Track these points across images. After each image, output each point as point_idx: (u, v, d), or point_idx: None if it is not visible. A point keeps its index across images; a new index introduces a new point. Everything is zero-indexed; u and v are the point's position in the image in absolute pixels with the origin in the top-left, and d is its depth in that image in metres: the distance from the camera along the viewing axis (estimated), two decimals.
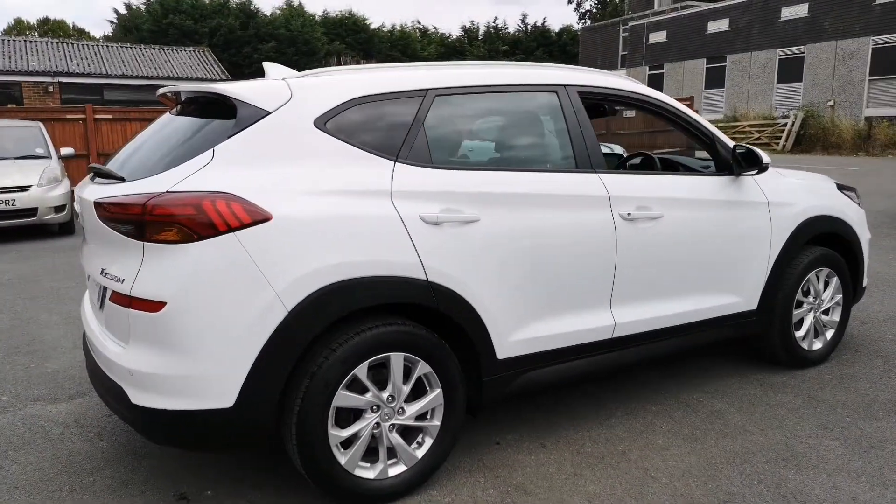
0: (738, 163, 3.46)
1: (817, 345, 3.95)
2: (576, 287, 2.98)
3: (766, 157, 3.43)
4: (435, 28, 68.07)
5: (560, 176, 2.96)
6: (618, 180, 3.09)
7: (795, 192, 3.74)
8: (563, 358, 2.98)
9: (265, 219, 2.29)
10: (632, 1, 40.62)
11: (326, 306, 2.37)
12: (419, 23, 73.06)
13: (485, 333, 2.72)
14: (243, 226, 2.26)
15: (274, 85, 2.55)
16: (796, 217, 3.69)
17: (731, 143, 3.52)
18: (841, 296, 4.02)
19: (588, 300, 3.03)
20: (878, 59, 24.30)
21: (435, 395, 2.65)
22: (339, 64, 51.86)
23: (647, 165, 3.89)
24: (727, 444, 3.04)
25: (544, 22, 56.01)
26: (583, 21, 54.86)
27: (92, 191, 2.61)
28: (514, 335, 2.82)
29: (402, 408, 2.61)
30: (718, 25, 30.05)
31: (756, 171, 3.44)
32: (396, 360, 2.55)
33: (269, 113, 2.46)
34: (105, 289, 2.58)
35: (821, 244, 3.88)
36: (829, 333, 4.00)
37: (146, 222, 2.25)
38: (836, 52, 25.53)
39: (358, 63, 53.55)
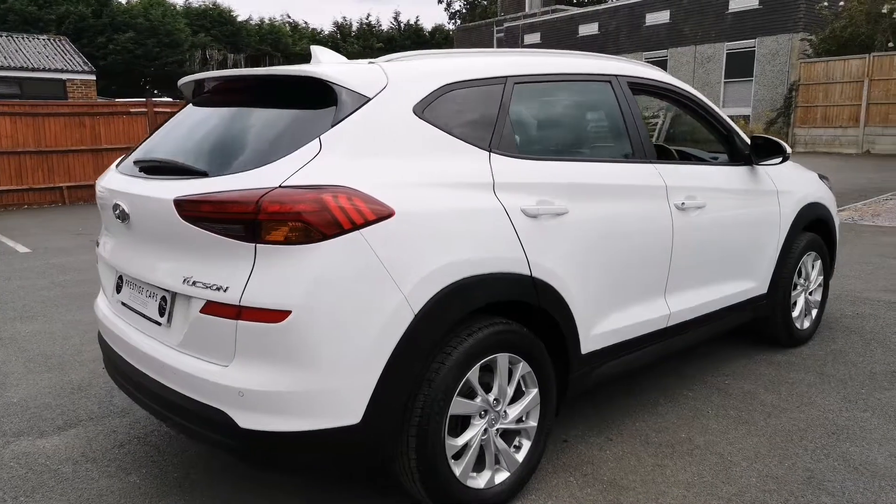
0: (757, 153, 3.62)
1: (806, 324, 4.23)
2: (642, 277, 2.98)
3: (787, 146, 3.61)
4: (305, 23, 66.42)
5: (629, 166, 2.96)
6: (669, 171, 3.13)
7: (794, 180, 3.98)
8: (630, 350, 2.98)
9: (388, 214, 2.09)
10: (504, 2, 41.78)
11: (448, 307, 2.21)
12: (289, 17, 71.01)
13: (574, 329, 2.66)
14: (367, 223, 2.05)
15: (370, 69, 2.33)
16: (797, 204, 3.93)
17: (745, 136, 3.68)
18: (822, 277, 4.34)
19: (650, 290, 3.05)
20: (732, 62, 26.60)
21: (532, 395, 2.55)
22: (205, 58, 49.17)
23: (666, 156, 3.97)
24: (775, 423, 3.17)
25: (417, 20, 56.28)
26: (453, 21, 55.76)
27: (155, 187, 2.26)
28: (595, 329, 2.78)
29: (506, 411, 2.48)
30: (589, 29, 31.61)
31: (780, 160, 3.61)
32: (502, 361, 2.42)
33: (370, 99, 2.24)
34: (172, 300, 2.24)
35: (809, 230, 4.16)
36: (814, 313, 4.30)
37: (260, 222, 1.97)
38: (695, 56, 27.67)
39: (226, 57, 51.10)
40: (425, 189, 2.22)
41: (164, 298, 2.30)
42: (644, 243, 2.96)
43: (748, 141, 3.66)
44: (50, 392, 3.64)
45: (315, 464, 2.12)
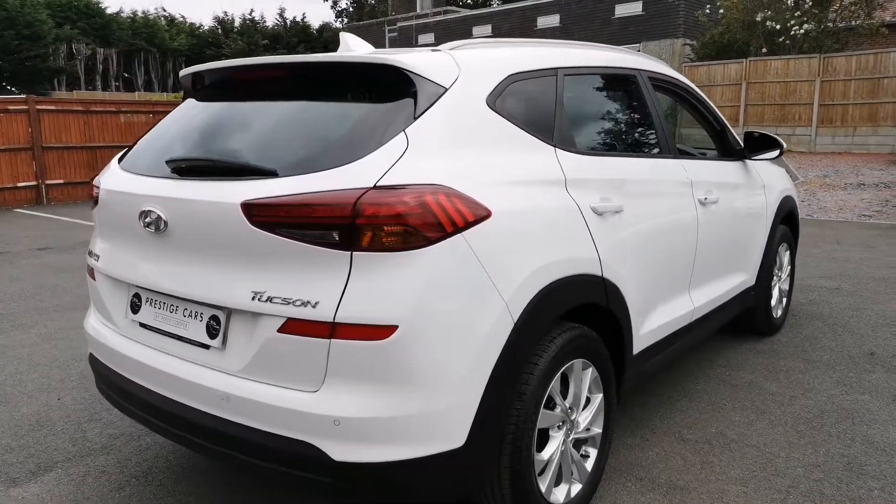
0: (751, 148, 3.71)
1: (779, 312, 4.41)
2: (675, 273, 2.96)
3: (781, 140, 3.72)
4: (183, 17, 63.12)
5: (664, 162, 2.92)
6: (690, 166, 3.13)
7: (773, 174, 4.13)
8: (662, 348, 2.95)
9: (486, 215, 1.91)
10: (394, 2, 41.60)
11: (542, 313, 2.05)
12: (164, 10, 67.20)
13: (630, 329, 2.58)
14: (468, 225, 1.86)
15: (442, 58, 2.12)
16: (777, 197, 4.07)
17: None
18: (790, 267, 4.54)
19: (681, 286, 3.03)
20: None
21: (598, 400, 2.45)
22: (71, 52, 45.43)
23: None
24: (791, 411, 3.25)
25: (304, 18, 54.90)
26: (340, 19, 54.91)
27: (207, 190, 1.95)
28: (643, 328, 2.71)
29: (578, 420, 2.36)
30: (482, 30, 32.08)
31: (777, 153, 3.70)
32: (577, 367, 2.30)
33: (447, 90, 2.04)
34: (228, 319, 1.95)
35: (783, 223, 4.33)
36: (784, 301, 4.49)
37: (358, 226, 1.73)
38: None
39: (94, 51, 47.52)
40: (509, 186, 2.06)
41: (214, 318, 1.99)
42: (677, 239, 2.93)
43: (737, 137, 3.74)
44: (4, 432, 3.12)
45: (419, 493, 1.89)
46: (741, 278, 3.73)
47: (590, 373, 2.37)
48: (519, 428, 2.02)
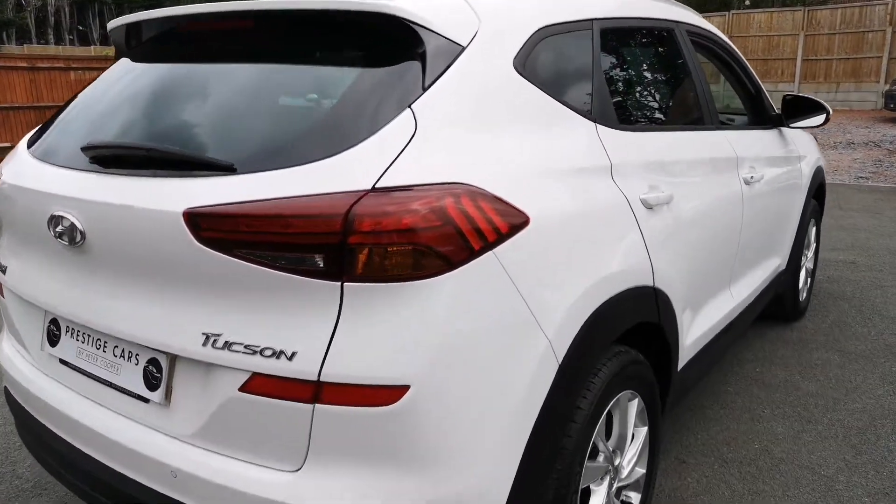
0: (789, 114, 3.22)
1: (804, 294, 4.00)
2: (718, 270, 2.50)
3: (825, 103, 3.23)
4: None
5: (709, 135, 2.43)
6: (734, 139, 2.64)
7: (806, 143, 3.66)
8: (706, 355, 2.50)
9: (524, 223, 1.40)
10: None
11: (592, 345, 1.57)
12: None
13: (677, 344, 2.12)
14: (500, 238, 1.35)
15: (456, 4, 1.57)
16: (811, 169, 3.62)
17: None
18: (815, 244, 4.12)
19: (723, 283, 2.58)
20: None
21: (643, 436, 1.99)
22: (19, 2, 42.93)
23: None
24: (838, 418, 2.85)
25: None
26: None
27: (138, 190, 1.40)
28: (688, 339, 2.25)
29: (622, 464, 1.91)
30: None
31: (823, 120, 3.21)
32: (623, 401, 1.84)
33: (464, 49, 1.50)
34: (171, 366, 1.43)
35: (814, 197, 3.89)
36: (809, 282, 4.09)
37: (350, 246, 1.22)
38: None
39: (45, 2, 44.97)
40: (549, 179, 1.55)
41: (153, 363, 1.47)
42: (722, 228, 2.46)
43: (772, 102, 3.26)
44: None
45: None
46: (776, 262, 3.29)
47: (636, 404, 1.91)
48: (560, 493, 1.56)
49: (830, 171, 9.56)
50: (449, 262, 1.26)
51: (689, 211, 2.13)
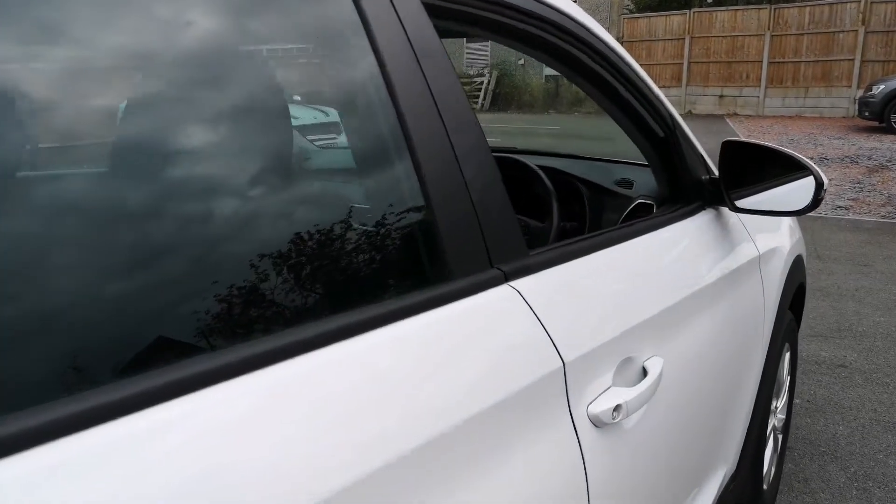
0: (738, 178, 1.52)
1: (771, 472, 2.30)
2: None
3: (812, 164, 1.52)
4: None
5: None
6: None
7: (770, 219, 1.96)
8: None
9: None
10: None
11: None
12: None
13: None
14: None
15: None
16: (783, 270, 1.93)
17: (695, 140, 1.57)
18: (789, 376, 2.44)
19: None
20: None
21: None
22: None
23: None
24: None
25: None
26: None
27: None
28: None
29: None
30: None
31: (812, 201, 1.50)
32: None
33: None
34: None
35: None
36: (779, 445, 2.39)
37: None
38: None
39: None
40: None
41: None
42: None
43: (705, 156, 1.56)
44: None
45: None
46: (719, 473, 1.60)
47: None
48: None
49: None
50: None
51: None
